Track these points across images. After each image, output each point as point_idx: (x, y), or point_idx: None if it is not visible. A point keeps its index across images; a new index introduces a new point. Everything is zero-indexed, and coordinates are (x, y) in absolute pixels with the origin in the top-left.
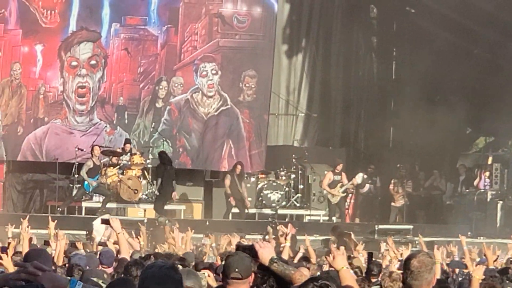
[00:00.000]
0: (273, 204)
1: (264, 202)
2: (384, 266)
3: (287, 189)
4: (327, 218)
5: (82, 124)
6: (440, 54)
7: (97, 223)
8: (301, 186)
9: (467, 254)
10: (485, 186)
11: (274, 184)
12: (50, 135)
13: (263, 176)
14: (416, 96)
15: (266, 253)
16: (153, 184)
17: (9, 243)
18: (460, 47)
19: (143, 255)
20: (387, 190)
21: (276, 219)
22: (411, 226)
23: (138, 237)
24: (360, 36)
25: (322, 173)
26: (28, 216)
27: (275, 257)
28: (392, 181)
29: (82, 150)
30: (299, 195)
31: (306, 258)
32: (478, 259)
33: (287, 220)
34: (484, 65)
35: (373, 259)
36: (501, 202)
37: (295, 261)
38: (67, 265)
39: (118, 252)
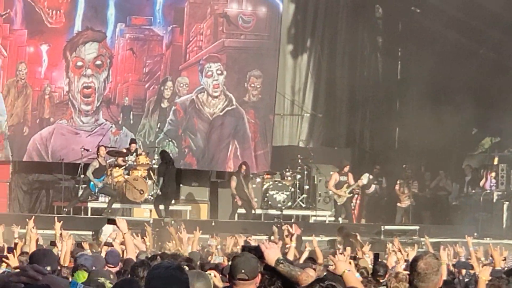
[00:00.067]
0: (279, 205)
1: (269, 202)
2: (390, 267)
3: (292, 189)
4: (333, 218)
5: (87, 125)
6: (446, 54)
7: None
8: (307, 187)
9: (473, 255)
10: (491, 186)
11: (280, 184)
12: (56, 136)
13: (269, 176)
14: (422, 96)
15: (272, 253)
16: (158, 184)
17: (16, 244)
18: (465, 47)
19: (149, 256)
20: (393, 190)
21: (282, 220)
22: (417, 227)
23: (144, 237)
24: (365, 36)
25: (327, 173)
26: (33, 216)
27: (281, 258)
28: (398, 182)
29: (87, 150)
30: (304, 195)
31: (311, 259)
32: (482, 258)
33: (292, 220)
34: (490, 65)
35: (379, 260)
36: (507, 202)
37: (301, 261)
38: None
39: (124, 252)
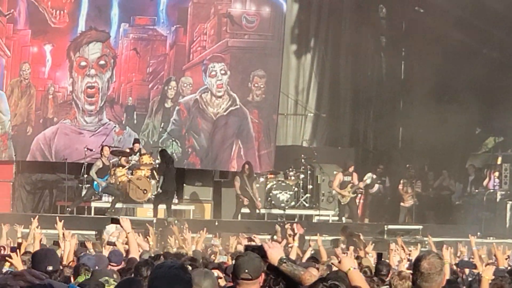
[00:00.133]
0: (282, 204)
1: (273, 202)
2: (393, 266)
3: (296, 189)
4: (336, 218)
5: (91, 124)
6: (449, 53)
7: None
8: (310, 186)
9: (476, 254)
10: (495, 186)
11: (283, 184)
12: (59, 135)
13: (272, 176)
14: (425, 96)
15: (275, 253)
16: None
17: (19, 243)
18: (469, 47)
19: (152, 255)
20: (396, 190)
21: (285, 219)
22: (421, 226)
23: (148, 237)
24: (369, 35)
25: (331, 173)
26: (37, 216)
27: (284, 257)
28: (401, 181)
29: (91, 150)
30: (308, 195)
31: (314, 258)
32: (483, 255)
33: (296, 220)
34: (493, 65)
35: (383, 259)
36: (510, 202)
37: (303, 260)
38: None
39: (128, 252)
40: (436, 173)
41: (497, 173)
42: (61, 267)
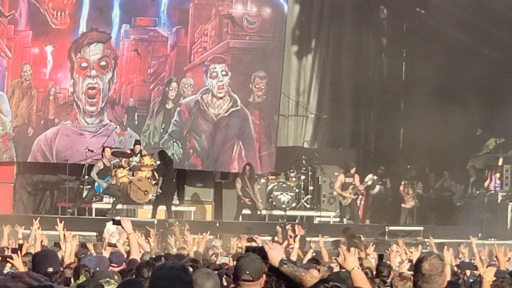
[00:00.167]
0: (283, 206)
1: (274, 203)
2: (394, 268)
3: (297, 190)
4: (337, 219)
5: (92, 125)
6: (450, 54)
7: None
8: (311, 188)
9: (477, 255)
10: (496, 187)
11: (284, 185)
12: (60, 136)
13: (273, 177)
14: (426, 97)
15: (275, 254)
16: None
17: (21, 244)
18: (470, 48)
19: (153, 256)
20: (397, 191)
21: (286, 220)
22: (422, 228)
23: (148, 238)
24: (370, 37)
25: (332, 174)
26: (38, 217)
27: (285, 258)
28: (402, 183)
29: (92, 151)
30: (309, 196)
31: (315, 260)
32: (483, 257)
33: (297, 221)
34: (495, 66)
35: (384, 260)
36: (511, 203)
37: (304, 262)
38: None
39: (129, 253)
40: (437, 174)
41: (498, 174)
42: (61, 269)
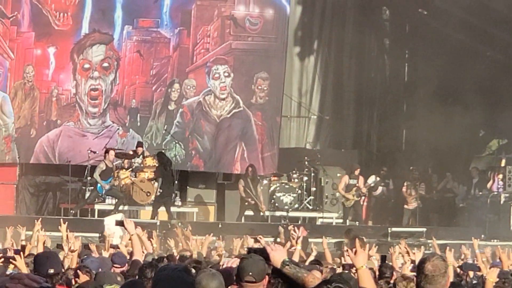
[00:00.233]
0: (286, 207)
1: (276, 204)
2: (396, 269)
3: (299, 191)
4: (340, 220)
5: (94, 127)
6: (453, 56)
7: (108, 220)
8: (314, 189)
9: (479, 257)
10: (498, 188)
11: (287, 186)
12: (63, 138)
13: (276, 178)
14: (429, 98)
15: (277, 255)
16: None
17: (23, 246)
18: (473, 49)
19: (156, 258)
20: (400, 192)
21: (288, 220)
22: (424, 229)
23: (151, 239)
24: (372, 38)
25: (334, 175)
26: (40, 218)
27: (287, 259)
28: (405, 184)
29: (94, 152)
30: (311, 197)
31: (318, 261)
32: (483, 259)
33: (299, 222)
34: (497, 66)
35: (386, 262)
36: None
37: (307, 263)
38: None
39: (131, 254)
40: (440, 176)
41: (501, 175)
42: (63, 270)
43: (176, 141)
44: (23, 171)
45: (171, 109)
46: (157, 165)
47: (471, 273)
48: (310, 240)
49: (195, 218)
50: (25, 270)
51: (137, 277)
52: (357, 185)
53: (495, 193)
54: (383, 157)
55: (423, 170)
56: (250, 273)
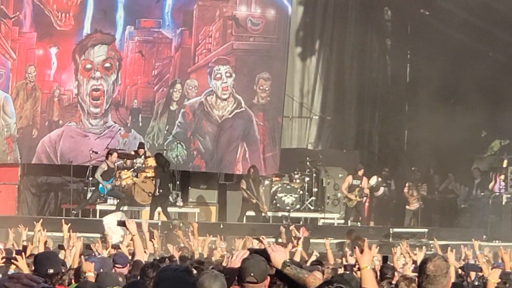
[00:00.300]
0: (287, 207)
1: (278, 205)
2: (398, 269)
3: (301, 192)
4: (341, 221)
5: (96, 127)
6: (455, 56)
7: (107, 220)
8: (315, 189)
9: (480, 258)
10: (500, 189)
11: (288, 187)
12: (65, 138)
13: (277, 179)
14: (431, 99)
15: (278, 256)
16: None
17: (25, 246)
18: (474, 49)
19: (157, 258)
20: (402, 193)
21: (289, 220)
22: (426, 230)
23: (152, 239)
24: (374, 38)
25: (336, 176)
26: (41, 219)
27: (287, 260)
28: (407, 184)
29: (96, 153)
30: (313, 198)
31: (319, 261)
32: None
33: (301, 223)
34: (499, 67)
35: (388, 262)
36: None
37: (308, 264)
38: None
39: (133, 254)
40: (441, 176)
41: (502, 176)
42: (63, 270)
43: (178, 142)
44: (25, 171)
45: (173, 110)
46: (155, 166)
47: (472, 274)
48: (312, 240)
49: (196, 218)
50: (26, 270)
51: (139, 277)
52: (360, 185)
53: (497, 193)
54: (385, 158)
55: (425, 171)
56: (252, 274)
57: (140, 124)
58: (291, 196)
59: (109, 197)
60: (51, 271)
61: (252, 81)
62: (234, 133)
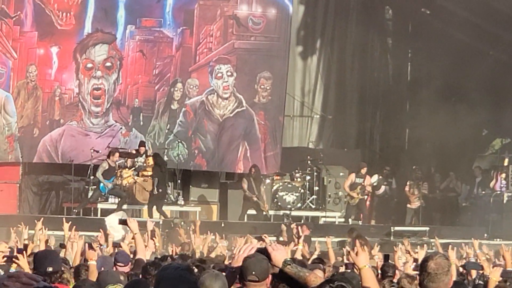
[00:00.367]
0: (288, 206)
1: (279, 203)
2: (399, 268)
3: (302, 190)
4: (342, 220)
5: (97, 126)
6: (456, 55)
7: (109, 220)
8: (317, 188)
9: (480, 257)
10: (502, 188)
11: (289, 185)
12: (66, 137)
13: (278, 177)
14: (432, 98)
15: (278, 255)
16: (169, 186)
17: (26, 245)
18: (476, 49)
19: (159, 257)
20: (403, 191)
21: (290, 218)
22: (427, 228)
23: (153, 238)
24: (375, 37)
25: (337, 174)
26: (42, 218)
27: (288, 259)
28: (408, 183)
29: (97, 152)
30: (314, 196)
31: (320, 260)
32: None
33: (302, 221)
34: (500, 66)
35: (389, 261)
36: None
37: (309, 262)
38: None
39: (134, 253)
40: (442, 175)
41: (504, 175)
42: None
43: (179, 141)
44: (26, 170)
45: (174, 109)
46: (153, 165)
47: (473, 272)
48: (313, 239)
49: (198, 217)
50: (27, 269)
51: (140, 276)
52: (362, 183)
53: (498, 192)
54: (386, 157)
55: (426, 169)
56: (253, 272)
57: (141, 123)
58: (292, 194)
59: (110, 196)
60: (50, 269)
61: (253, 80)
62: (235, 132)
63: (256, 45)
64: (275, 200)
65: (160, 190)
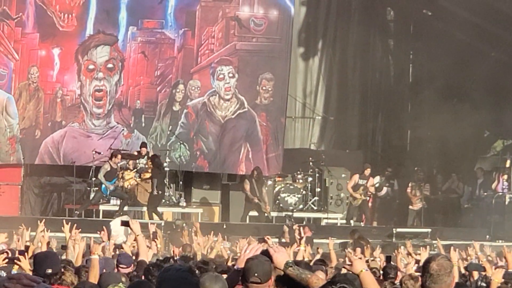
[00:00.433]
0: (290, 207)
1: (281, 205)
2: (401, 269)
3: (304, 192)
4: (344, 221)
5: (99, 128)
6: (457, 56)
7: (114, 224)
8: (318, 189)
9: (481, 258)
10: (503, 189)
11: (291, 187)
12: (68, 139)
13: (280, 179)
14: (433, 98)
15: (280, 257)
16: (170, 187)
17: (27, 246)
18: (477, 49)
19: (161, 258)
20: (405, 193)
21: (292, 219)
22: (429, 229)
23: (155, 239)
24: (376, 38)
25: (339, 176)
26: (44, 219)
27: (290, 261)
28: (410, 184)
29: (99, 153)
30: (316, 198)
31: (322, 261)
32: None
33: (304, 223)
34: (502, 67)
35: (391, 262)
36: None
37: (312, 263)
38: None
39: (136, 254)
40: (444, 176)
41: (505, 176)
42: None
43: (181, 142)
44: (28, 172)
45: (176, 110)
46: (152, 167)
47: (475, 274)
48: (315, 240)
49: (199, 219)
50: (29, 270)
51: (143, 277)
52: (365, 185)
53: (500, 193)
54: (388, 158)
55: (428, 171)
56: (256, 274)
57: (143, 124)
58: (294, 196)
59: (112, 197)
60: (49, 271)
61: (255, 81)
62: (237, 134)
63: (258, 47)
64: (277, 201)
65: (160, 192)
